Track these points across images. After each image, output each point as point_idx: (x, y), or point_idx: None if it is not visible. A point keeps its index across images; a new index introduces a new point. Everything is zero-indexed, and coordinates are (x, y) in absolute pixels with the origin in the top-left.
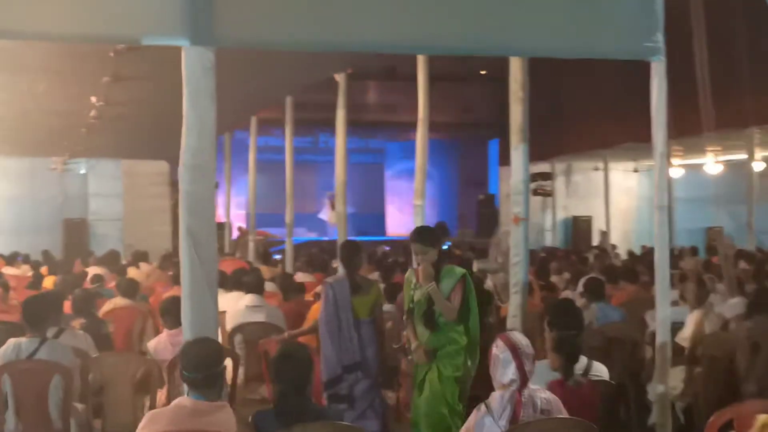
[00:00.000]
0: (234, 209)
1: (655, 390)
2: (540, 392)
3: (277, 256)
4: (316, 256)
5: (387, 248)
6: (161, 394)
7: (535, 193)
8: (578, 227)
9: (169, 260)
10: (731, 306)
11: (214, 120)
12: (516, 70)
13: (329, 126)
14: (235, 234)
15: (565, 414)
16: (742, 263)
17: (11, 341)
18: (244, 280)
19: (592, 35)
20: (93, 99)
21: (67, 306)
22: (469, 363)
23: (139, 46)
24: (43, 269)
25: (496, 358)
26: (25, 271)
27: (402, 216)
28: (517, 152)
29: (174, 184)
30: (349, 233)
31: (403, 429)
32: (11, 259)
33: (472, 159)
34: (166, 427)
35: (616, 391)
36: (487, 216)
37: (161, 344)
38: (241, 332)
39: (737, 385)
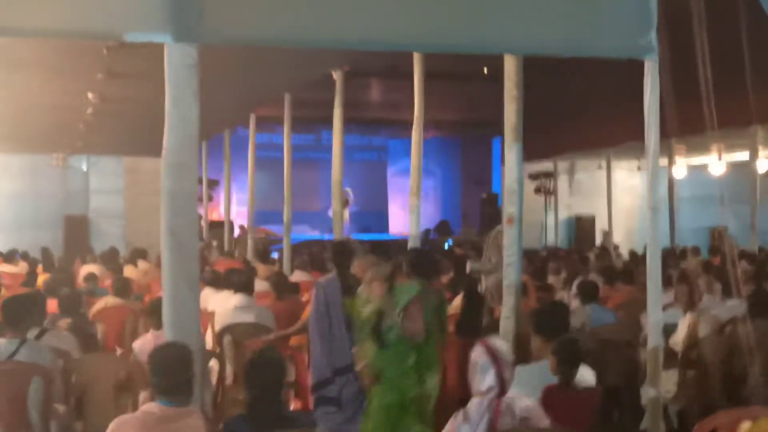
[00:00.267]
0: (236, 207)
1: (646, 394)
2: (520, 400)
3: (276, 255)
4: (315, 255)
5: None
6: (145, 396)
7: (538, 191)
8: (581, 226)
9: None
10: (728, 308)
11: (197, 118)
12: (510, 68)
13: (332, 123)
14: (237, 232)
15: (546, 422)
16: (744, 263)
17: None
18: (233, 280)
19: (586, 33)
20: (90, 96)
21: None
22: (428, 381)
23: (133, 43)
24: (39, 267)
25: (475, 364)
26: (23, 268)
27: (405, 214)
28: (511, 151)
29: None
30: (351, 231)
31: None
32: (9, 257)
33: (475, 157)
34: None
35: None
36: (489, 214)
37: (146, 345)
38: (229, 333)
39: (731, 390)
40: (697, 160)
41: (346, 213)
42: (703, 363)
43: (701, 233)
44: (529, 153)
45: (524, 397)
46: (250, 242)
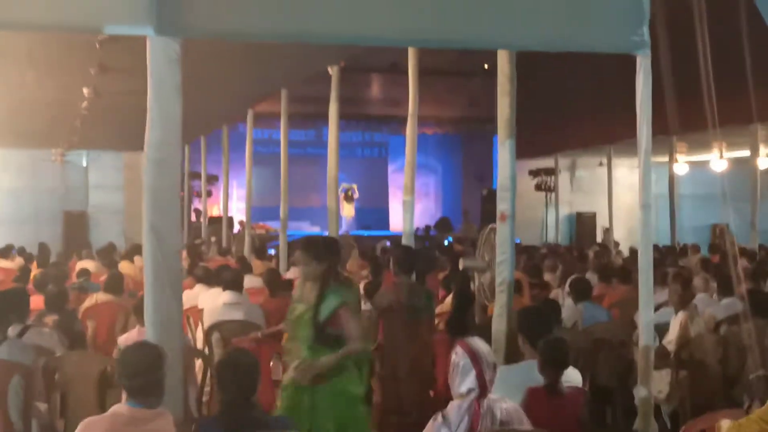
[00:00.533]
0: (236, 203)
1: (638, 394)
2: (501, 402)
3: (273, 251)
4: None
5: (388, 243)
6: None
7: (538, 188)
8: (582, 223)
9: None
10: (723, 307)
11: (180, 113)
12: (503, 62)
13: None
14: (237, 228)
15: (527, 425)
16: (744, 261)
17: None
18: (223, 277)
19: (577, 28)
20: (84, 90)
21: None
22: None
23: (126, 37)
24: (34, 263)
25: (455, 365)
26: (19, 263)
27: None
28: (504, 147)
29: None
30: (352, 228)
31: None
32: (6, 252)
33: (476, 154)
34: None
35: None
36: (490, 211)
37: (131, 342)
38: (218, 330)
39: (724, 390)
40: (699, 157)
41: (352, 209)
42: (695, 363)
43: (703, 231)
44: (530, 150)
45: (505, 399)
46: (247, 238)
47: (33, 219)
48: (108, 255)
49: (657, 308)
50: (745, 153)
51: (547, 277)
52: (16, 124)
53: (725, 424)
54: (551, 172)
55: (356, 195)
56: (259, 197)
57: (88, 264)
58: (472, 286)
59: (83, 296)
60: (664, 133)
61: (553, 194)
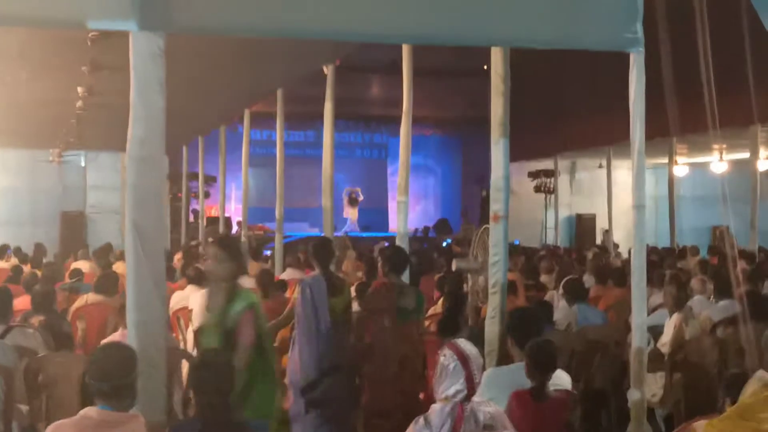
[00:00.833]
0: (235, 203)
1: (631, 397)
2: (484, 406)
3: (269, 252)
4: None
5: (387, 244)
6: None
7: (538, 190)
8: (582, 225)
9: None
10: (720, 309)
11: (163, 110)
12: (497, 61)
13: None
14: (235, 229)
15: (510, 429)
16: (742, 263)
17: None
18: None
19: (569, 25)
20: (79, 89)
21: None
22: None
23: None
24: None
25: (444, 368)
26: (13, 264)
27: None
28: (498, 147)
29: (172, 178)
30: (354, 229)
31: None
32: (1, 252)
33: (475, 155)
34: None
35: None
36: (489, 212)
37: None
38: None
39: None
40: (699, 159)
41: (356, 212)
42: (690, 365)
43: (703, 232)
44: (530, 151)
45: (489, 402)
46: (243, 239)
47: (30, 219)
48: (104, 256)
49: (654, 310)
50: (745, 155)
51: (544, 278)
52: (10, 124)
53: (700, 426)
54: (551, 173)
55: (360, 198)
56: (258, 198)
57: (84, 265)
58: (465, 287)
59: (74, 297)
60: (664, 135)
61: (553, 196)
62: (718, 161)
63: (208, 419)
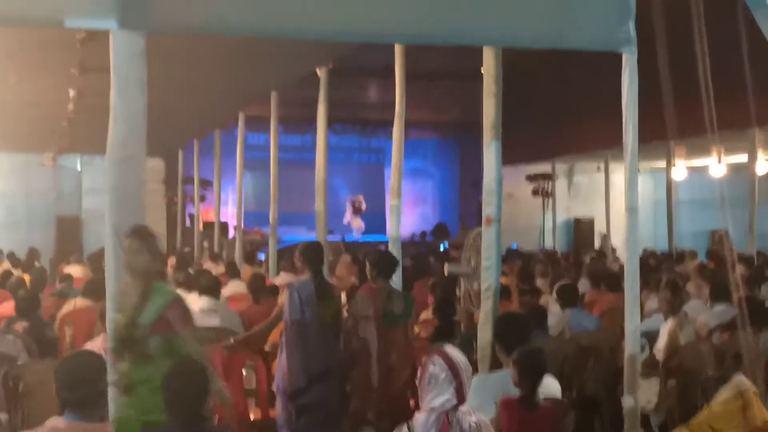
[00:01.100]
0: (232, 208)
1: (625, 404)
2: (469, 415)
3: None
4: None
5: (383, 249)
6: None
7: (535, 194)
8: (580, 229)
9: None
10: (716, 314)
11: (144, 110)
12: (489, 63)
13: (330, 123)
14: (232, 233)
15: None
16: (741, 267)
17: None
18: (199, 283)
19: (561, 25)
20: (70, 92)
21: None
22: None
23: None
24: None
25: (434, 377)
26: (4, 269)
27: (404, 215)
28: (490, 150)
29: (169, 182)
30: (346, 233)
31: None
32: None
33: (474, 159)
34: None
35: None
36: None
37: (95, 349)
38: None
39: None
40: (698, 162)
41: (359, 221)
42: (684, 372)
43: (702, 236)
44: (528, 154)
45: (474, 412)
46: (238, 243)
47: (25, 224)
48: (98, 260)
49: (650, 315)
50: (743, 158)
51: (539, 282)
52: (5, 127)
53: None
54: (549, 177)
55: (364, 207)
56: (256, 202)
57: (77, 269)
58: (458, 292)
59: (63, 302)
60: (662, 138)
61: (551, 200)
62: (717, 164)
63: (179, 427)
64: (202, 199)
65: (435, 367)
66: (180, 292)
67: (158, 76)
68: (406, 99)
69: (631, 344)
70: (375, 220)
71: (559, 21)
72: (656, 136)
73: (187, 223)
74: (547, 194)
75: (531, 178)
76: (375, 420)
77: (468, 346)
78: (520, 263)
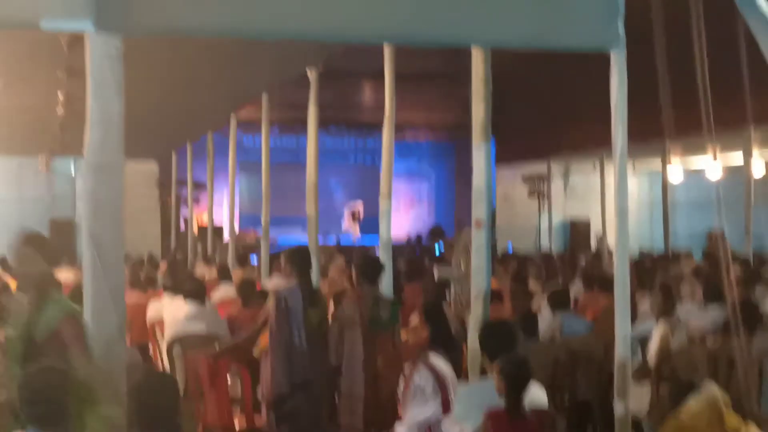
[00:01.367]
0: (226, 210)
1: (615, 410)
2: (452, 427)
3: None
4: None
5: (376, 252)
6: None
7: (531, 194)
8: (576, 230)
9: (141, 266)
10: (710, 318)
11: (121, 115)
12: (477, 64)
13: (325, 125)
14: (226, 237)
15: None
16: (736, 269)
17: None
18: (184, 288)
19: (547, 25)
20: (59, 96)
21: None
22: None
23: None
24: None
25: (419, 390)
26: None
27: (399, 217)
28: (479, 152)
29: (163, 185)
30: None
31: None
32: None
33: (469, 160)
34: None
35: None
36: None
37: None
38: (179, 344)
39: None
40: (694, 163)
41: (357, 228)
42: (677, 377)
43: (699, 238)
44: (523, 153)
45: (459, 423)
46: (231, 246)
47: (18, 227)
48: None
49: (644, 317)
50: (739, 156)
51: (532, 284)
52: None
53: None
54: (544, 178)
55: (362, 216)
56: (251, 204)
57: (68, 274)
58: (448, 296)
59: None
60: (658, 135)
61: (547, 201)
62: (713, 160)
63: None
64: (197, 201)
65: (421, 378)
66: (167, 298)
67: (149, 79)
68: (402, 101)
69: (621, 349)
70: (372, 222)
71: (546, 22)
72: (651, 134)
73: (182, 227)
74: (542, 195)
75: (527, 179)
76: (362, 428)
77: (458, 352)
78: (515, 265)
